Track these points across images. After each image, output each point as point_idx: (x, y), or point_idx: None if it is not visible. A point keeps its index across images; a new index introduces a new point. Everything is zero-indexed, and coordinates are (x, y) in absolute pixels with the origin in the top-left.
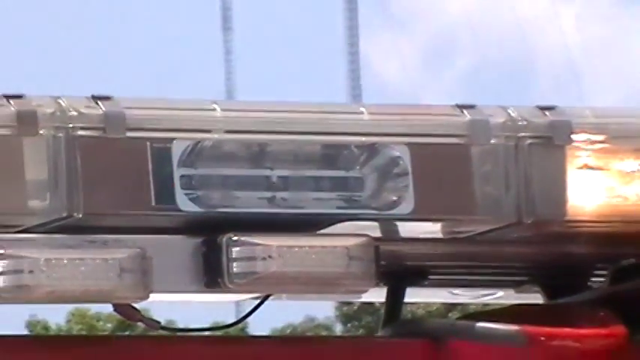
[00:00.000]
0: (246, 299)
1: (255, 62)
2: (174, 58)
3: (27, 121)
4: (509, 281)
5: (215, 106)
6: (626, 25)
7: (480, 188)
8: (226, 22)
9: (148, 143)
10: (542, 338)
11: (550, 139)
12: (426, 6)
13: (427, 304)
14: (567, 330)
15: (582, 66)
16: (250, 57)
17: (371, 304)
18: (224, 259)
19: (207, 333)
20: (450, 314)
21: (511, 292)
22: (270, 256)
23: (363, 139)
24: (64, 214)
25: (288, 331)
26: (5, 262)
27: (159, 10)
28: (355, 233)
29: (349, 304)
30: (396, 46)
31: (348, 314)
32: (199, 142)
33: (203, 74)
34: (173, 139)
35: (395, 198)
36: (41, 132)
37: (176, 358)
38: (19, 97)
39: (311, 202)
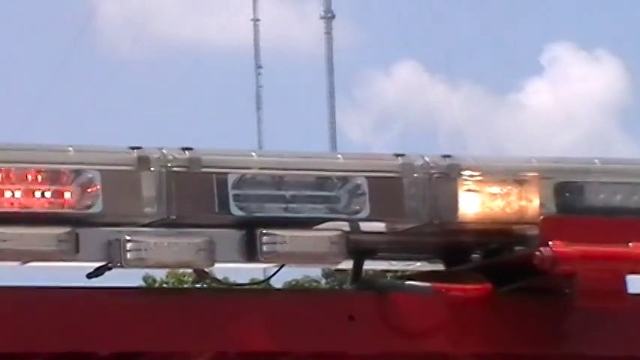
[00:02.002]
0: (270, 267)
1: (276, 128)
2: (226, 124)
3: (143, 162)
4: (424, 256)
5: (253, 153)
6: (492, 107)
7: (408, 203)
8: (258, 103)
9: (214, 175)
10: (443, 290)
11: (448, 174)
12: (372, 94)
13: (375, 270)
14: (457, 285)
15: (465, 132)
16: (273, 124)
17: (343, 269)
18: (258, 243)
19: (247, 286)
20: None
21: (425, 263)
22: (285, 242)
23: (339, 173)
24: (164, 216)
25: (293, 283)
26: (131, 244)
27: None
28: (334, 228)
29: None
30: (357, 118)
31: (329, 274)
32: (244, 174)
33: (242, 135)
34: (228, 172)
35: (358, 208)
36: (152, 169)
37: (230, 302)
38: (138, 147)
39: (309, 210)
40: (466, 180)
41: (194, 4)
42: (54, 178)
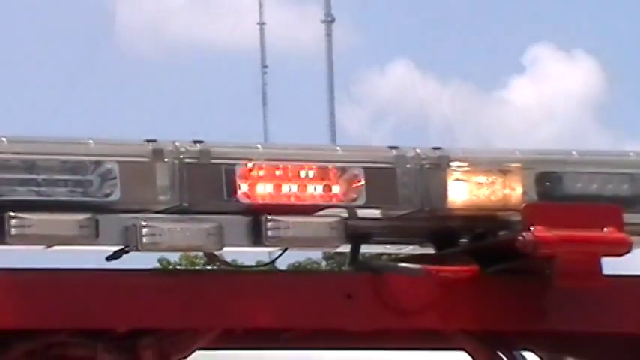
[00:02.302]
0: (274, 250)
1: (280, 123)
2: (234, 119)
3: (158, 154)
4: (416, 240)
5: (259, 145)
6: (479, 102)
7: (401, 191)
8: (264, 100)
9: (223, 166)
10: (434, 271)
11: (438, 165)
12: (368, 91)
13: (371, 253)
14: (446, 266)
15: (454, 126)
16: (277, 119)
17: (342, 252)
18: (263, 228)
19: (254, 268)
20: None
21: (417, 246)
22: (288, 227)
23: (339, 164)
24: (177, 204)
25: (296, 265)
26: (147, 229)
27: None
28: (334, 215)
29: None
30: (355, 113)
31: (329, 256)
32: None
33: (249, 128)
34: (236, 164)
35: (355, 196)
36: (165, 160)
37: (238, 282)
38: (153, 140)
39: (310, 198)
40: (455, 170)
41: (205, 9)
42: (76, 168)
